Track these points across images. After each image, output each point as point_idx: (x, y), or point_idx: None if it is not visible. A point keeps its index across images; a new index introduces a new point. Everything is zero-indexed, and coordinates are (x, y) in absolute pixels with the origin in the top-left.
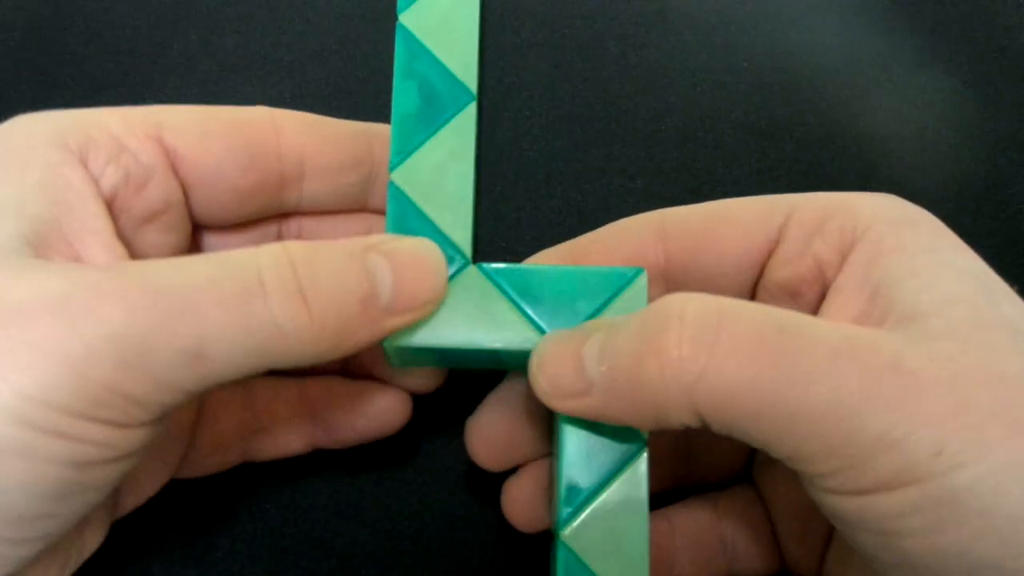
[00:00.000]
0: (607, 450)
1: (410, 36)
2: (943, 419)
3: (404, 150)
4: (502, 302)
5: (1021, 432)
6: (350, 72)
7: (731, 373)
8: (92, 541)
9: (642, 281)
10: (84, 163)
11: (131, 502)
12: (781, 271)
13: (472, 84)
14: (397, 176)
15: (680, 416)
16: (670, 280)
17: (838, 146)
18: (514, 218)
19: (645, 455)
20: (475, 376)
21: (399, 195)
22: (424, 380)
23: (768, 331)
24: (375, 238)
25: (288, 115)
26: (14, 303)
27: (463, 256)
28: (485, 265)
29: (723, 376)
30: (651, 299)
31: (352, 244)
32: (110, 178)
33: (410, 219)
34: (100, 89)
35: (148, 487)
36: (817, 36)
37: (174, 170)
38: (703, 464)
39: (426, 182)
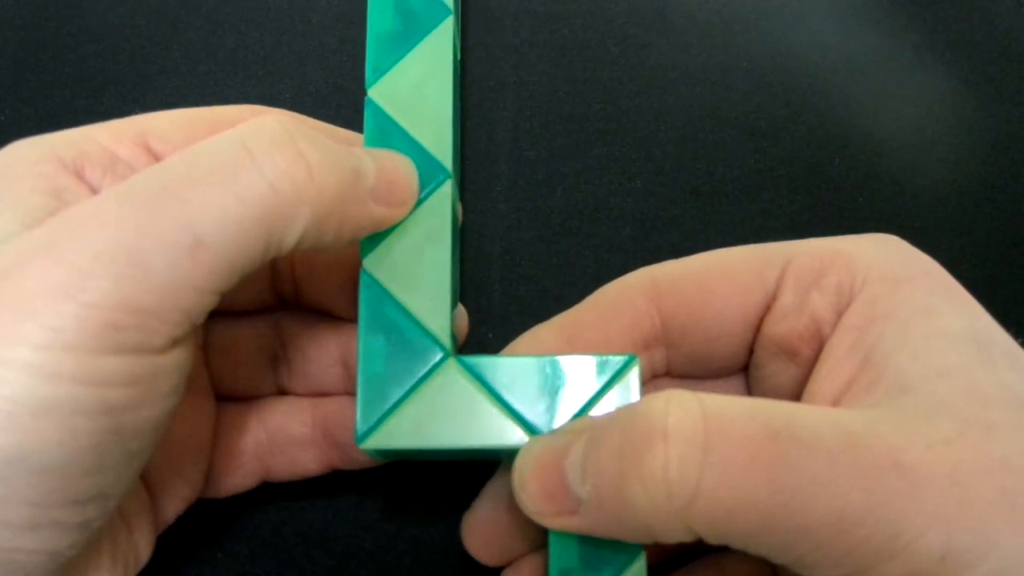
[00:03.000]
0: (601, 557)
1: (380, 112)
2: (947, 518)
3: (377, 235)
4: (485, 398)
5: None
6: (350, 72)
7: (725, 492)
8: (145, 550)
9: (634, 371)
10: (80, 175)
11: (162, 520)
12: (778, 327)
13: (447, 161)
14: (369, 263)
15: (675, 535)
16: (669, 345)
17: (838, 146)
18: (514, 218)
19: (642, 560)
20: None
21: (372, 284)
22: None
23: (760, 440)
24: None
25: (271, 113)
26: (3, 266)
27: (443, 348)
28: (466, 358)
29: (717, 496)
30: (646, 373)
31: None
32: (108, 187)
33: (385, 308)
34: (100, 89)
35: (174, 506)
36: (817, 36)
37: None
38: None
39: (401, 268)
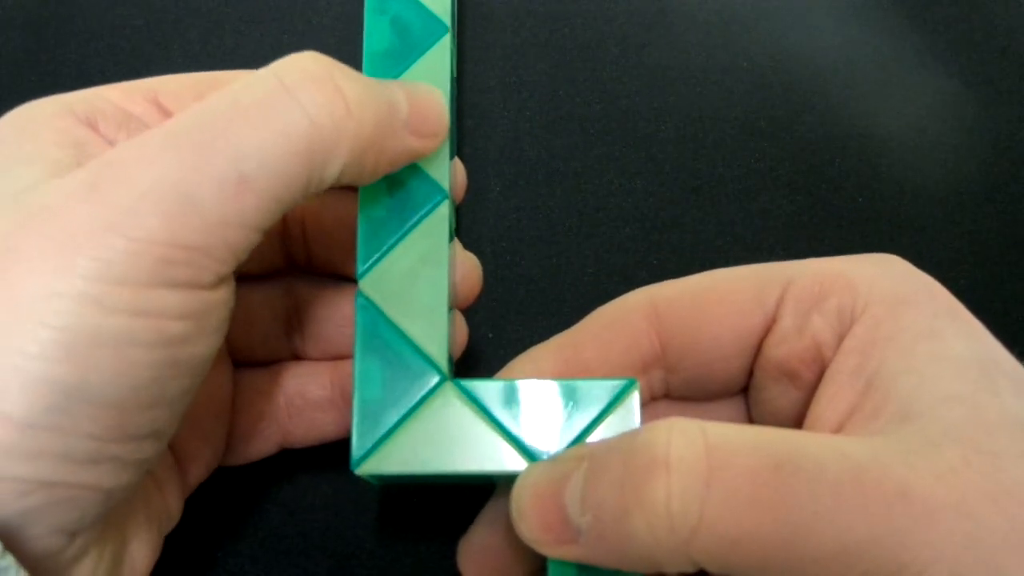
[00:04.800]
0: None
1: None
2: (955, 550)
3: (373, 255)
4: (483, 422)
5: None
6: None
7: (729, 525)
8: (175, 509)
9: (634, 394)
10: (94, 130)
11: (187, 485)
12: (777, 350)
13: (444, 181)
14: (366, 285)
15: (677, 566)
16: (668, 368)
17: (838, 146)
18: (514, 218)
19: None
20: None
21: (368, 306)
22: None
23: (763, 472)
24: None
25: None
26: (45, 205)
27: (439, 371)
28: (463, 382)
29: (720, 529)
30: (644, 395)
31: None
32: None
33: (381, 331)
34: None
35: (198, 470)
36: (817, 36)
37: None
38: None
39: (397, 290)
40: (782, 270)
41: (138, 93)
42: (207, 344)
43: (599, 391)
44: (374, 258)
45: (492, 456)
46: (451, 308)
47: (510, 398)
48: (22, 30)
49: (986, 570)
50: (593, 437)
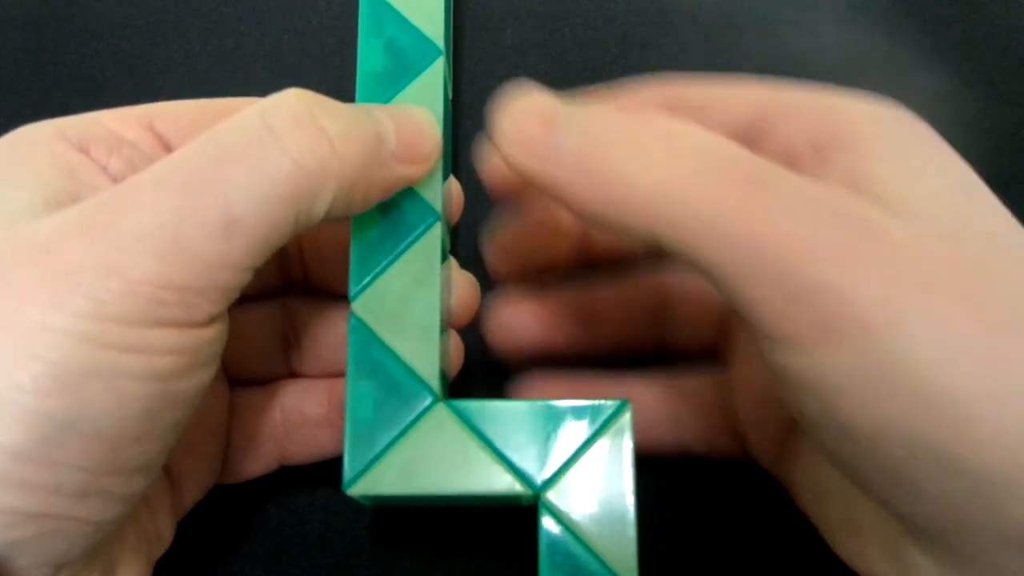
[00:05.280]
0: None
1: None
2: (901, 286)
3: (365, 277)
4: (475, 444)
5: (982, 319)
6: (350, 72)
7: (703, 192)
8: (167, 531)
9: (626, 416)
10: (86, 154)
11: (181, 505)
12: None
13: (437, 203)
14: (358, 307)
15: (634, 223)
16: None
17: None
18: None
19: None
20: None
21: (360, 327)
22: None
23: (754, 172)
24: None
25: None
26: (39, 240)
27: (431, 392)
28: (455, 402)
29: (692, 191)
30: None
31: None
32: (115, 167)
33: (373, 352)
34: (100, 89)
35: (193, 490)
36: (817, 36)
37: None
38: (676, 334)
39: (389, 312)
40: (776, 93)
41: (132, 118)
42: (198, 379)
43: (592, 412)
44: (366, 280)
45: (483, 477)
46: (445, 329)
47: (502, 419)
48: (22, 30)
49: (923, 309)
50: (585, 458)
